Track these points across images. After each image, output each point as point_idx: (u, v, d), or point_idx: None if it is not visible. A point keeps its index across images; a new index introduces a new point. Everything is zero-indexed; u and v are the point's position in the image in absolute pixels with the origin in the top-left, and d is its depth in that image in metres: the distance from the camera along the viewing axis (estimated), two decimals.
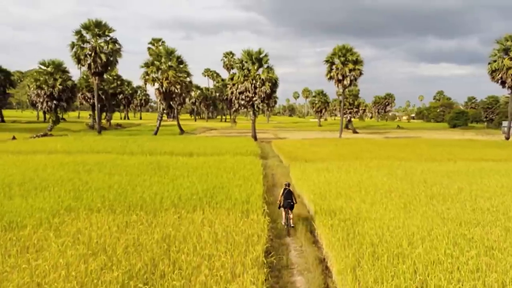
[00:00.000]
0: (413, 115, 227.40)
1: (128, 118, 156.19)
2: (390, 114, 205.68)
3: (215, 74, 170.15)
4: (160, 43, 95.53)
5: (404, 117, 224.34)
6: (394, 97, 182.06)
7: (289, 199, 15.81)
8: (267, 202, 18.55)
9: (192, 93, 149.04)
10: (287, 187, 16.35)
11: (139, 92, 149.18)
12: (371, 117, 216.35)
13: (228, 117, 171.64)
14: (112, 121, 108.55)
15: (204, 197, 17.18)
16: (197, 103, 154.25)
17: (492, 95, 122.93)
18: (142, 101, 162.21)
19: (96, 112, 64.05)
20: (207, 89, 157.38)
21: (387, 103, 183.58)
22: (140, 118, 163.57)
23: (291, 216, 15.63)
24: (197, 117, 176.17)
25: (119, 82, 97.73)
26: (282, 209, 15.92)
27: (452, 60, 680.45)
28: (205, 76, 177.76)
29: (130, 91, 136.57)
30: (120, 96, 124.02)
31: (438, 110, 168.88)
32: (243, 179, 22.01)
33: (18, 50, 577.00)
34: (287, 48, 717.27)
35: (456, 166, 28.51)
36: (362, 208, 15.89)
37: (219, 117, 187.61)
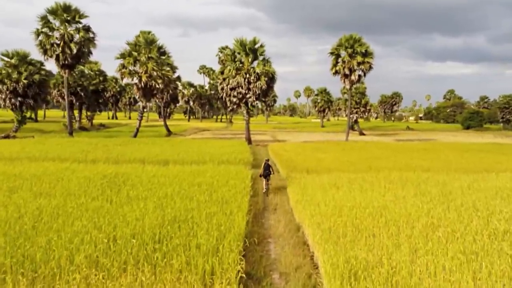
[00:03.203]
0: (420, 115, 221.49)
1: (116, 118, 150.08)
2: (397, 114, 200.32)
3: (211, 71, 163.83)
4: (149, 35, 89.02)
5: (411, 118, 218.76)
6: (401, 96, 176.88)
7: (267, 170, 22.35)
8: (249, 248, 12.94)
9: (185, 91, 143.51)
10: (267, 161, 22.99)
11: (127, 89, 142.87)
12: (377, 118, 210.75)
13: (224, 117, 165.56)
14: (96, 121, 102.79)
15: (149, 241, 11.43)
16: (190, 102, 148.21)
17: (509, 94, 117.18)
18: (131, 99, 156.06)
19: (67, 111, 58.11)
20: (202, 86, 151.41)
21: (394, 103, 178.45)
22: (129, 118, 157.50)
23: (269, 183, 22.61)
24: (192, 117, 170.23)
25: (101, 78, 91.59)
26: (262, 178, 22.53)
27: (459, 59, 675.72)
28: (200, 73, 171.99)
29: (118, 89, 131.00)
30: (108, 94, 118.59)
31: (448, 110, 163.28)
32: (221, 203, 16.32)
33: (9, 46, 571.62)
34: (288, 46, 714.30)
35: (502, 181, 22.67)
36: (400, 262, 10.21)
37: (215, 117, 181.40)
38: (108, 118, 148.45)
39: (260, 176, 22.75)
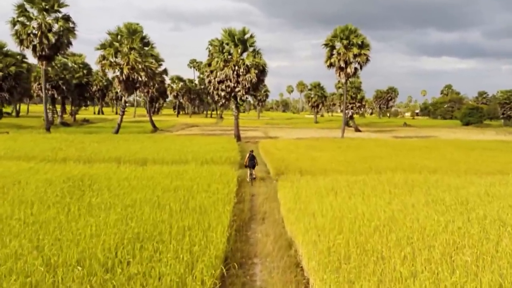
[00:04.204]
0: (416, 111, 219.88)
1: (103, 113, 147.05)
2: (392, 110, 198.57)
3: (201, 65, 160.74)
4: (132, 25, 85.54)
5: (407, 113, 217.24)
6: (397, 92, 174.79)
7: (252, 161, 23.96)
8: (229, 273, 10.62)
9: (174, 86, 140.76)
10: (251, 152, 24.61)
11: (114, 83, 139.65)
12: (371, 113, 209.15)
13: (215, 112, 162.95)
14: (80, 116, 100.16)
15: (100, 269, 9.09)
16: (180, 97, 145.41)
17: (509, 89, 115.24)
18: (118, 94, 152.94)
19: (44, 104, 55.39)
20: (191, 81, 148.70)
21: (389, 98, 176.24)
22: (116, 113, 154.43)
23: (254, 173, 24.15)
24: (182, 113, 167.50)
25: (85, 71, 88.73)
26: (247, 168, 24.17)
27: (454, 54, 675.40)
28: (190, 67, 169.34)
29: (105, 83, 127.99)
30: (94, 88, 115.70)
31: (446, 106, 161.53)
32: (199, 214, 14.03)
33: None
34: (281, 40, 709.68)
35: None
36: None
37: (206, 112, 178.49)
38: (94, 113, 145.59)
39: (246, 166, 24.48)
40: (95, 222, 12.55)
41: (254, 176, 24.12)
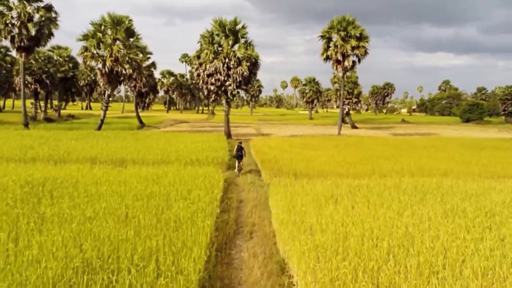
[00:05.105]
0: (413, 107, 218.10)
1: (90, 108, 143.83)
2: (389, 106, 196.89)
3: (191, 57, 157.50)
4: (127, 22, 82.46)
5: (404, 110, 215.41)
6: (394, 87, 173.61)
7: (240, 152, 25.54)
8: None
9: (165, 80, 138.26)
10: (240, 144, 26.50)
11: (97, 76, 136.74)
12: (367, 110, 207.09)
13: (207, 108, 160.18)
14: (65, 111, 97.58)
15: None
16: (170, 92, 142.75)
17: (511, 85, 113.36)
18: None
19: (22, 99, 52.60)
20: (182, 75, 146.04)
21: (386, 94, 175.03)
22: None
23: (241, 164, 25.70)
24: (173, 108, 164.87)
25: (71, 65, 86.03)
26: (235, 159, 25.73)
27: (450, 50, 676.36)
28: (182, 62, 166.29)
29: (93, 77, 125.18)
30: (82, 83, 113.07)
31: (444, 102, 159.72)
32: (172, 229, 11.74)
33: None
34: (275, 36, 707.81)
35: None
36: None
37: (197, 108, 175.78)
38: (82, 108, 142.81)
39: (234, 157, 26.16)
40: (40, 242, 10.18)
41: (241, 168, 25.72)
